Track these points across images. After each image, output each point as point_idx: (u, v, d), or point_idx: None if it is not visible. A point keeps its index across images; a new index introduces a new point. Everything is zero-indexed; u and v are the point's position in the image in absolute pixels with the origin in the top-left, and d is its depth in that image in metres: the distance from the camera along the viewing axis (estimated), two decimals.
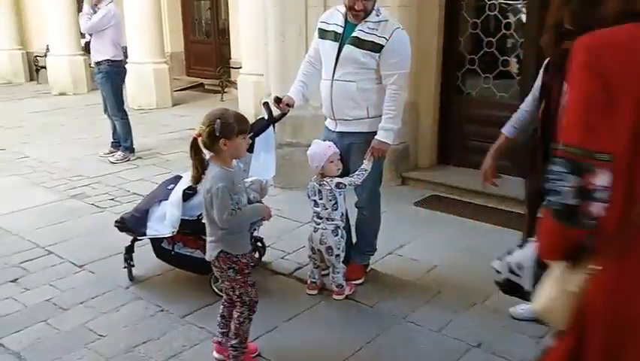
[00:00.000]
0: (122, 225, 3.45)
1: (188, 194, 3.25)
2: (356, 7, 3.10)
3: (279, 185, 5.28)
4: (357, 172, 3.20)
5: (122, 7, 7.75)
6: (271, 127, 3.48)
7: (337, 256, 3.28)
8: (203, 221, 3.34)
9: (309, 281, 3.41)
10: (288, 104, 3.39)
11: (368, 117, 3.26)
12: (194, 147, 2.48)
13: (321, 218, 3.27)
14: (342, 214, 3.28)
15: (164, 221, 3.29)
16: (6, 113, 9.08)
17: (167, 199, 3.35)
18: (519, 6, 5.04)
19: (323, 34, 3.32)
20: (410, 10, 5.13)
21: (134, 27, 8.97)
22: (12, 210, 4.76)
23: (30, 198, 5.07)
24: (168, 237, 3.33)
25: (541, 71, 2.79)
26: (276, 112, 3.49)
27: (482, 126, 5.31)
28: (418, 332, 3.01)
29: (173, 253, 3.40)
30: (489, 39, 5.24)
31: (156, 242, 3.42)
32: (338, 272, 3.32)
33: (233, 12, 10.44)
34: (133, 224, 3.40)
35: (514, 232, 4.20)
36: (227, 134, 2.42)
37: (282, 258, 3.86)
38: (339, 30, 3.22)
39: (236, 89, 9.91)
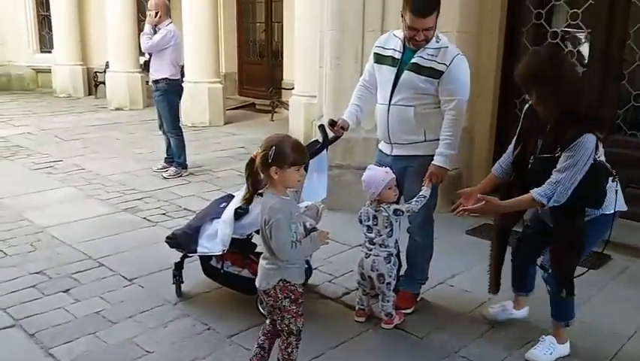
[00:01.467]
0: (173, 241, 3.47)
1: (240, 213, 3.23)
2: (417, 38, 3.09)
3: (328, 207, 5.21)
4: (415, 199, 3.12)
5: (180, 28, 7.95)
6: (325, 150, 3.45)
7: (388, 283, 3.19)
8: (252, 241, 3.39)
9: (357, 308, 3.33)
10: (342, 127, 3.38)
11: (425, 140, 3.23)
12: (250, 167, 2.46)
13: (373, 244, 3.19)
14: (396, 241, 3.20)
15: (214, 239, 3.29)
16: (65, 125, 9.40)
17: (219, 217, 3.33)
18: (582, 34, 4.88)
19: (380, 58, 3.31)
20: (468, 36, 5.05)
21: (192, 47, 9.18)
22: (66, 220, 4.87)
23: (84, 209, 5.19)
24: (218, 255, 3.33)
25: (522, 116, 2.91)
26: (330, 135, 3.47)
27: None
28: None
29: (222, 271, 3.41)
30: None
31: (205, 260, 3.43)
32: (388, 300, 3.22)
33: (287, 34, 10.57)
34: (184, 240, 3.41)
35: None
36: (279, 163, 2.37)
37: (330, 281, 3.80)
38: (397, 55, 3.22)
39: (287, 109, 10.00)
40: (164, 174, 6.31)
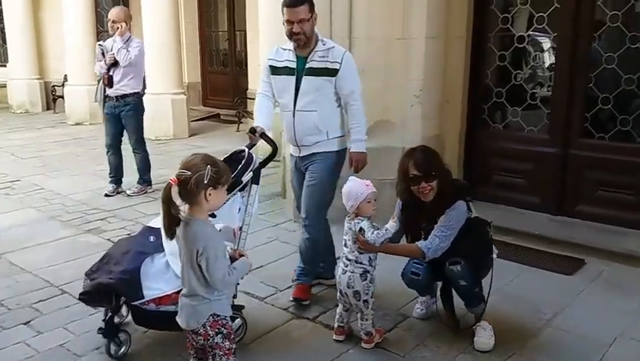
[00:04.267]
0: (98, 295, 2.89)
1: None
2: (294, 30, 3.32)
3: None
4: (379, 231, 2.98)
5: (141, 37, 7.71)
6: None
7: (365, 301, 3.07)
8: None
9: (336, 325, 3.22)
10: (261, 135, 3.53)
11: (327, 139, 3.51)
12: (167, 195, 2.20)
13: (349, 260, 3.08)
14: (371, 259, 3.07)
15: (164, 276, 2.85)
16: (22, 142, 9.05)
17: (159, 252, 2.92)
18: (549, 38, 4.90)
19: (275, 70, 3.53)
20: (436, 41, 5.01)
21: (154, 57, 8.91)
22: (26, 245, 4.62)
23: (45, 232, 4.94)
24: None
25: (398, 207, 3.22)
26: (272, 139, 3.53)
27: (509, 160, 5.16)
28: None
29: (159, 312, 2.84)
30: (517, 71, 5.10)
31: (139, 306, 2.86)
32: (366, 319, 3.11)
33: (251, 43, 10.44)
34: (125, 288, 2.83)
35: (537, 270, 4.06)
36: (215, 183, 2.21)
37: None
38: (292, 65, 3.45)
39: (253, 119, 9.85)
40: (128, 192, 6.08)
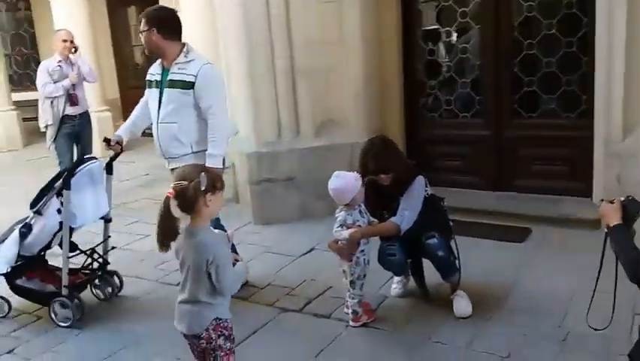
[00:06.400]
0: None
1: (24, 233, 3.50)
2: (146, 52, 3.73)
3: (260, 221, 5.22)
4: (343, 231, 3.19)
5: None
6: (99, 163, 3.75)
7: (352, 282, 3.28)
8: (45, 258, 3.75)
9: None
10: (118, 143, 3.77)
11: (192, 152, 3.55)
12: (166, 207, 2.19)
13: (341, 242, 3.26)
14: (358, 243, 3.24)
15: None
16: None
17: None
18: (472, 31, 5.31)
19: (149, 84, 3.68)
20: (372, 42, 5.30)
21: None
22: None
23: None
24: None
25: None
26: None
27: (447, 146, 5.53)
28: (446, 350, 3.04)
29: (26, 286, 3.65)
30: (446, 63, 5.48)
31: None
32: (353, 298, 3.31)
33: None
34: None
35: (491, 241, 4.38)
36: (212, 188, 2.22)
37: (288, 294, 3.79)
38: (158, 77, 3.59)
39: None
40: None
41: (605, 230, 2.27)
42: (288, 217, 5.16)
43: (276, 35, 5.05)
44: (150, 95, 3.67)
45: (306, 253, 4.46)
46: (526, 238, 4.47)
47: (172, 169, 3.56)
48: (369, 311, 3.40)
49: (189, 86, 3.44)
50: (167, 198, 2.19)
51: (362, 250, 3.26)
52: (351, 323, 3.32)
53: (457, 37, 5.44)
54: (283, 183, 5.19)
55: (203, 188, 2.19)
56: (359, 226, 3.21)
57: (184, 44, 3.56)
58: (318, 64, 5.15)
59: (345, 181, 3.18)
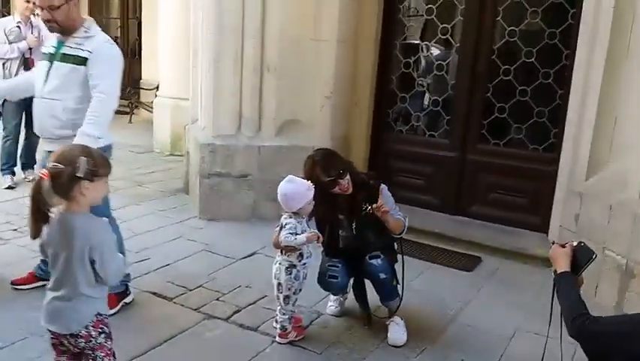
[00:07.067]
0: None
1: None
2: (43, 17, 3.18)
3: (205, 217, 4.97)
4: (291, 237, 2.93)
5: None
6: None
7: (286, 297, 3.05)
8: None
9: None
10: None
11: (73, 134, 3.10)
12: (37, 190, 2.00)
13: (282, 252, 3.04)
14: (302, 255, 3.02)
15: None
16: None
17: None
18: (451, 48, 5.15)
19: (41, 56, 3.40)
20: (346, 45, 5.10)
21: None
22: None
23: None
24: None
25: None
26: None
27: (411, 162, 5.36)
28: None
29: None
30: (420, 79, 5.32)
31: None
32: (284, 313, 3.08)
33: (147, 32, 10.01)
34: None
35: (440, 267, 4.25)
36: (91, 175, 2.03)
37: (217, 300, 3.53)
38: (52, 50, 3.27)
39: (147, 110, 9.47)
40: (31, 177, 5.59)
41: (553, 275, 2.16)
42: (235, 216, 4.92)
43: (249, 23, 4.81)
44: (39, 67, 3.37)
45: (246, 257, 4.22)
46: (475, 267, 4.33)
47: (48, 151, 3.15)
48: (299, 328, 3.18)
49: (82, 62, 3.14)
50: (40, 180, 2.00)
51: (304, 263, 3.04)
52: (277, 338, 3.10)
53: (435, 53, 5.28)
54: (236, 179, 4.95)
55: (79, 174, 2.00)
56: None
57: (84, 19, 3.27)
58: (290, 61, 4.93)
59: (297, 188, 2.95)
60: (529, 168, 4.79)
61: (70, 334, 2.11)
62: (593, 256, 2.10)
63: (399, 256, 3.29)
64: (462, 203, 5.12)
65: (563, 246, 2.17)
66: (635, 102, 3.71)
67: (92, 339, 2.12)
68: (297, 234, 2.95)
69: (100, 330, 2.13)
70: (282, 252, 3.04)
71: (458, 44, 5.06)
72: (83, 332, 2.10)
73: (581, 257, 2.12)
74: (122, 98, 10.50)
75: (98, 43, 3.18)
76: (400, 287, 3.25)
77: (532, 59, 4.71)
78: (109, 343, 2.17)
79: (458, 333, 3.34)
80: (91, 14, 11.53)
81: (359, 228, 3.18)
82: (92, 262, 2.05)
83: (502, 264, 4.40)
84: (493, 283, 4.07)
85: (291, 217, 2.99)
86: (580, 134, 4.19)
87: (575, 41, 4.37)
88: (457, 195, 5.14)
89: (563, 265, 2.10)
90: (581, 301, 1.99)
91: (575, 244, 2.17)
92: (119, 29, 11.48)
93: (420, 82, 5.33)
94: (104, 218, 2.27)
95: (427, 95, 5.29)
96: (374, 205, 3.04)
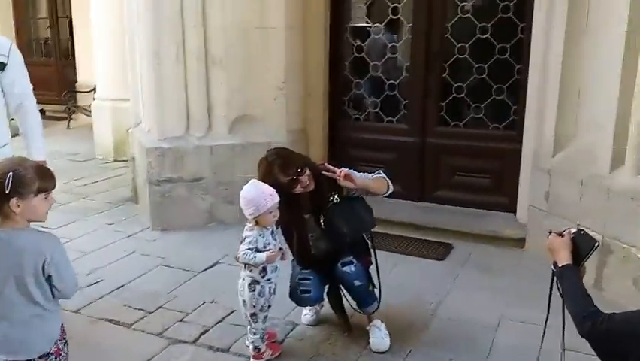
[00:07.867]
0: None
1: None
2: None
3: (159, 227, 4.63)
4: (251, 254, 2.68)
5: None
6: None
7: (253, 315, 2.79)
8: None
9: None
10: None
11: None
12: None
13: (245, 266, 2.77)
14: (265, 271, 2.74)
15: None
16: None
17: None
18: (404, 30, 4.95)
19: None
20: (296, 32, 4.83)
21: None
22: None
23: None
24: None
25: None
26: None
27: (371, 151, 5.16)
28: None
29: None
30: (374, 63, 5.10)
31: None
32: (254, 333, 2.83)
33: (79, 30, 9.43)
34: None
35: (411, 258, 4.09)
36: (20, 192, 1.88)
37: (182, 320, 3.24)
38: None
39: (86, 115, 8.95)
40: None
41: (553, 268, 1.98)
42: (191, 224, 4.61)
43: (188, 11, 4.46)
44: None
45: (208, 268, 3.93)
46: (447, 255, 4.18)
47: None
48: (274, 344, 2.94)
49: (2, 67, 2.90)
50: None
51: (268, 279, 2.78)
52: (252, 359, 2.85)
53: (387, 34, 5.06)
54: (188, 184, 4.63)
55: (6, 192, 1.86)
56: (270, 250, 2.73)
57: None
58: (236, 51, 4.61)
59: (258, 193, 2.66)
60: (491, 147, 4.67)
61: (47, 353, 2.02)
62: (596, 245, 1.93)
63: (372, 259, 3.10)
64: (426, 189, 4.97)
65: (561, 234, 1.99)
66: (600, 72, 3.60)
67: (61, 353, 2.06)
68: (257, 249, 2.69)
69: (64, 340, 2.09)
70: (245, 266, 2.77)
71: (410, 24, 4.86)
72: (52, 349, 2.03)
73: (582, 246, 1.94)
74: (58, 103, 9.95)
75: (8, 45, 2.94)
76: (377, 291, 3.04)
77: (487, 35, 4.56)
78: (66, 349, 2.11)
79: (442, 329, 3.18)
80: (16, 15, 10.85)
81: (327, 221, 2.95)
82: (48, 278, 1.95)
83: (474, 249, 4.27)
84: (468, 270, 3.94)
85: (252, 229, 2.72)
86: (543, 109, 4.08)
87: (530, 13, 4.24)
88: (420, 181, 4.98)
89: (563, 257, 1.92)
90: (587, 296, 1.82)
91: (573, 231, 2.00)
92: (48, 29, 10.79)
93: (373, 66, 5.11)
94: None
95: (382, 79, 5.08)
96: (335, 174, 2.87)
